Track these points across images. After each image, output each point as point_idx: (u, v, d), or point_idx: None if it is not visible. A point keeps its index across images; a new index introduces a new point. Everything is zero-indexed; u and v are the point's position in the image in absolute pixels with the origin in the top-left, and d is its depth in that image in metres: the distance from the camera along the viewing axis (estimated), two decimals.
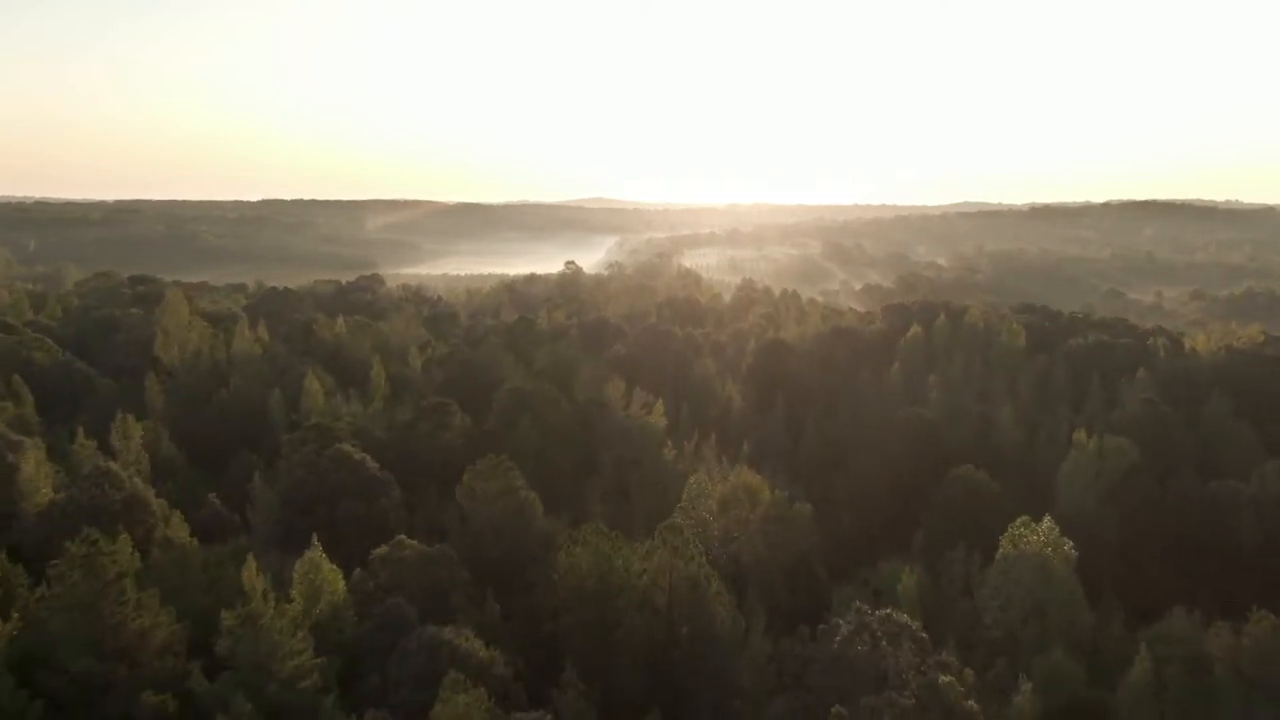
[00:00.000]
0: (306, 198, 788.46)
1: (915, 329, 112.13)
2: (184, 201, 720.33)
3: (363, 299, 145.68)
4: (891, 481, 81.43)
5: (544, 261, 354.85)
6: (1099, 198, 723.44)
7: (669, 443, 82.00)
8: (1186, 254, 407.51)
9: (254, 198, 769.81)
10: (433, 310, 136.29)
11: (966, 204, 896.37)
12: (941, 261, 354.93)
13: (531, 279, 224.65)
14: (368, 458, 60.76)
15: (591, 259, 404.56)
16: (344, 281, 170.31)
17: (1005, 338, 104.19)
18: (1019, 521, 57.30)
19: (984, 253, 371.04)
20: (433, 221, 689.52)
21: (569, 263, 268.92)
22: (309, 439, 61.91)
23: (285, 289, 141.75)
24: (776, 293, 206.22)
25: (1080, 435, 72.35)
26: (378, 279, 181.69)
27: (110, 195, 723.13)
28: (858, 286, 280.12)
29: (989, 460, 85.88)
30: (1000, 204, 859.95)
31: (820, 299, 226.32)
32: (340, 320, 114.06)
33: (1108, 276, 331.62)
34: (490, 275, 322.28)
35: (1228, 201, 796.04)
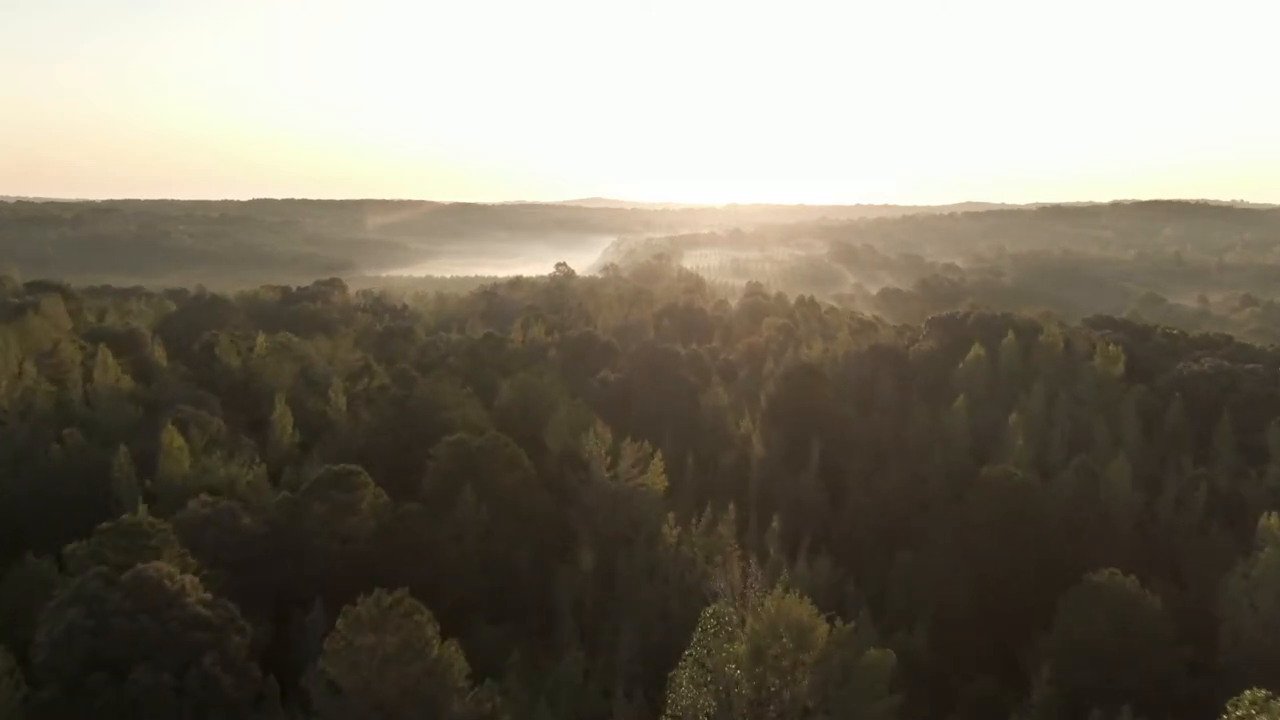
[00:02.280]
0: (298, 197, 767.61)
1: (977, 350, 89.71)
2: (170, 201, 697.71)
3: (307, 309, 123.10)
4: (979, 572, 59.15)
5: (536, 263, 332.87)
6: (1102, 198, 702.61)
7: (671, 518, 59.61)
8: (1215, 255, 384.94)
9: (244, 197, 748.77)
10: (386, 324, 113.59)
11: (969, 204, 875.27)
12: (959, 263, 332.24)
13: (516, 283, 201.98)
14: (191, 584, 38.21)
15: (587, 260, 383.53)
16: (295, 288, 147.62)
17: (1100, 363, 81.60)
18: (1248, 698, 34.84)
19: (1004, 253, 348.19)
20: (426, 222, 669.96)
21: (559, 265, 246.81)
22: (104, 549, 39.39)
23: (213, 297, 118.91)
24: (785, 297, 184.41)
25: (1272, 522, 49.85)
26: (338, 284, 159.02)
27: (100, 195, 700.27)
28: (873, 291, 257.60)
29: (1104, 539, 63.81)
30: (1003, 204, 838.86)
31: (834, 304, 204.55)
32: (260, 339, 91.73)
33: (1138, 279, 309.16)
34: (477, 278, 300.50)
35: (1233, 202, 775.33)
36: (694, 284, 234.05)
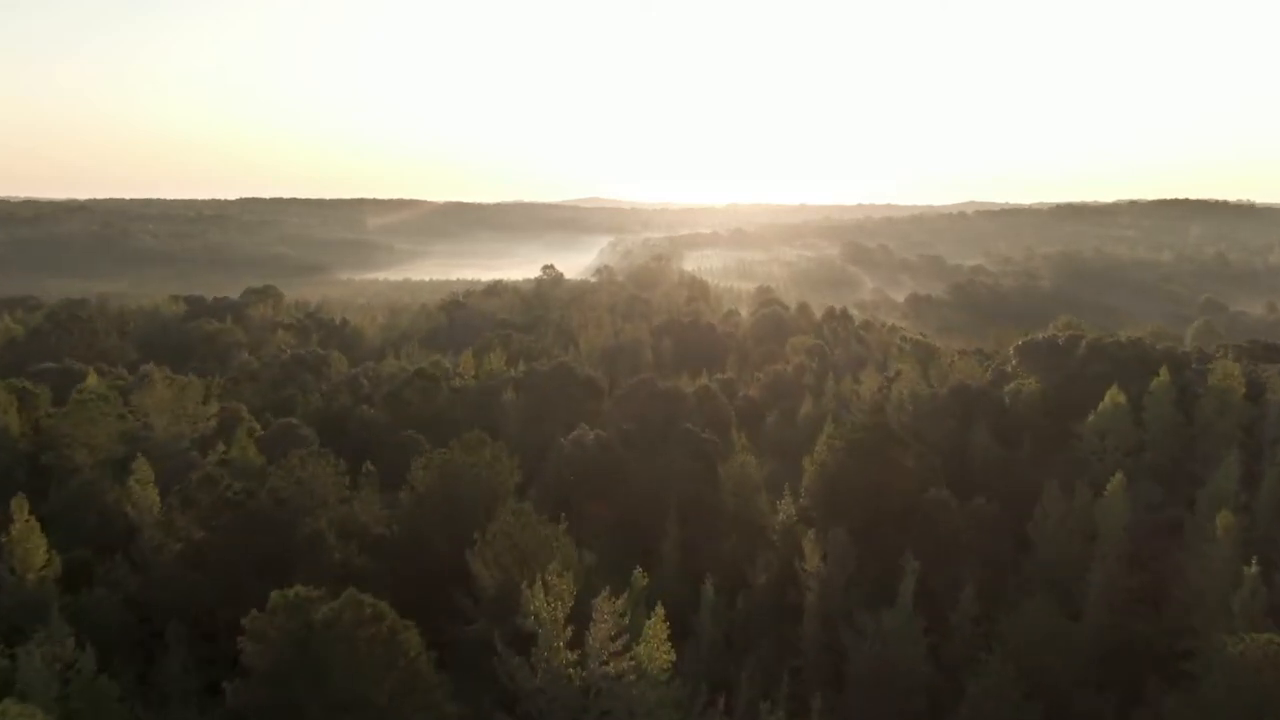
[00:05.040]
0: (287, 196, 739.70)
1: (1114, 395, 62.17)
2: (146, 200, 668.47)
3: (206, 329, 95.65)
4: None
5: (527, 265, 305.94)
6: (1105, 197, 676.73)
7: None
8: (1256, 256, 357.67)
9: (234, 196, 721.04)
10: (297, 352, 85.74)
11: (973, 203, 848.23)
12: (985, 264, 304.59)
13: (493, 289, 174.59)
14: None
15: (582, 261, 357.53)
16: (211, 298, 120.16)
17: None
18: None
19: (1034, 254, 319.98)
20: (421, 222, 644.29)
21: (546, 267, 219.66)
22: None
23: (73, 314, 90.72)
24: (809, 308, 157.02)
25: None
26: (271, 292, 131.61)
27: (97, 195, 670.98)
28: (898, 297, 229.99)
29: None
30: (1006, 203, 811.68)
31: (859, 313, 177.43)
32: (93, 381, 64.47)
33: (1182, 282, 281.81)
34: (458, 281, 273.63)
35: (1238, 201, 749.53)
36: (697, 290, 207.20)
